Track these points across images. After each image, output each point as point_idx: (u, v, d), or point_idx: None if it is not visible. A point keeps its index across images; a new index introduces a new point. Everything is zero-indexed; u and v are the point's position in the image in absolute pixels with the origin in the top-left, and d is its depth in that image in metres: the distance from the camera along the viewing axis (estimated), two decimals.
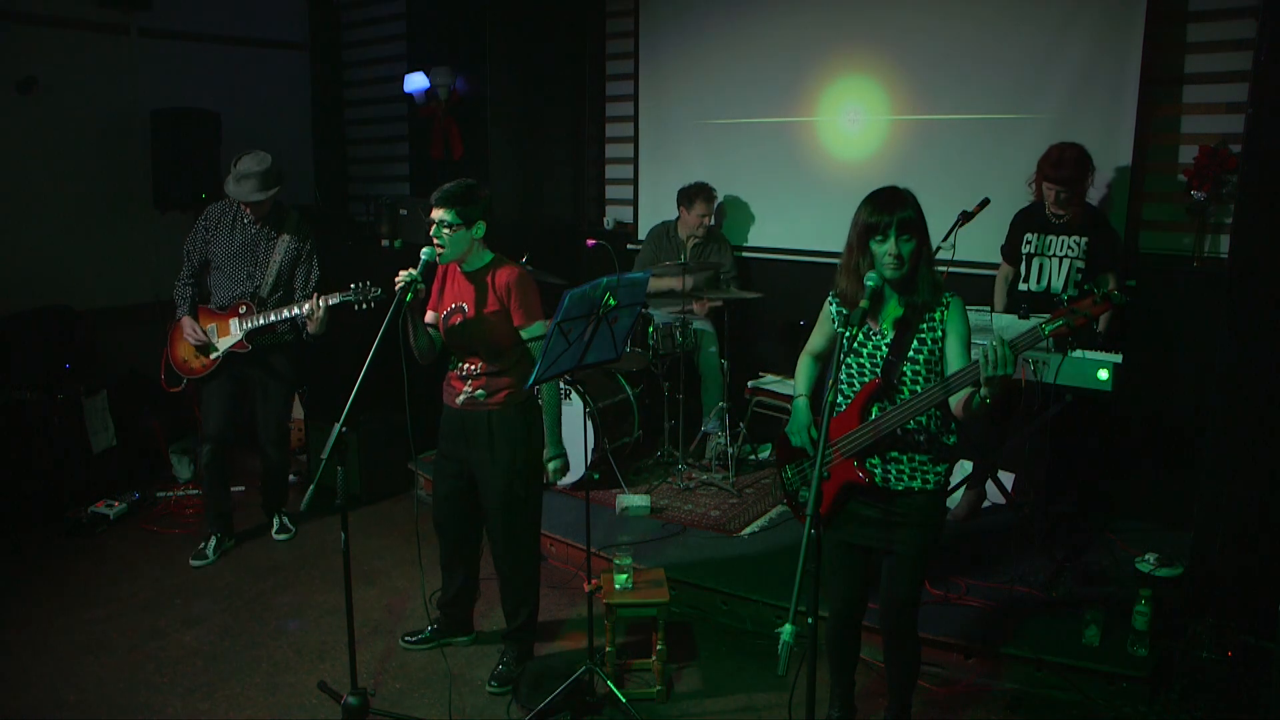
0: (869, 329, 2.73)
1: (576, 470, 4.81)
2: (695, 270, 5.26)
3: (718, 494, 4.97)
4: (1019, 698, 3.39)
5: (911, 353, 2.67)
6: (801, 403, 2.90)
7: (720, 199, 5.66)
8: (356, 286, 4.07)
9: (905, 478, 2.72)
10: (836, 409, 2.75)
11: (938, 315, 2.68)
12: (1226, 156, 4.15)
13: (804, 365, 2.98)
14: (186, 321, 4.43)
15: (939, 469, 2.74)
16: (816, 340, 2.96)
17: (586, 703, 3.32)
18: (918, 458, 2.72)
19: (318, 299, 4.21)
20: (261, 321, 4.36)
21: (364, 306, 4.07)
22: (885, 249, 2.59)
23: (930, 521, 2.76)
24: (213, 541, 4.60)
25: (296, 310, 4.29)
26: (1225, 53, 4.27)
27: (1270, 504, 3.45)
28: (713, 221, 5.59)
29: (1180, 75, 4.42)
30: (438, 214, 3.21)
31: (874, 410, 2.70)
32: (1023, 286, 4.31)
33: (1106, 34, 4.50)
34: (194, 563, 4.51)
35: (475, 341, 3.33)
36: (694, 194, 5.47)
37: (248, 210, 4.36)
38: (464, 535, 3.65)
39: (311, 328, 4.27)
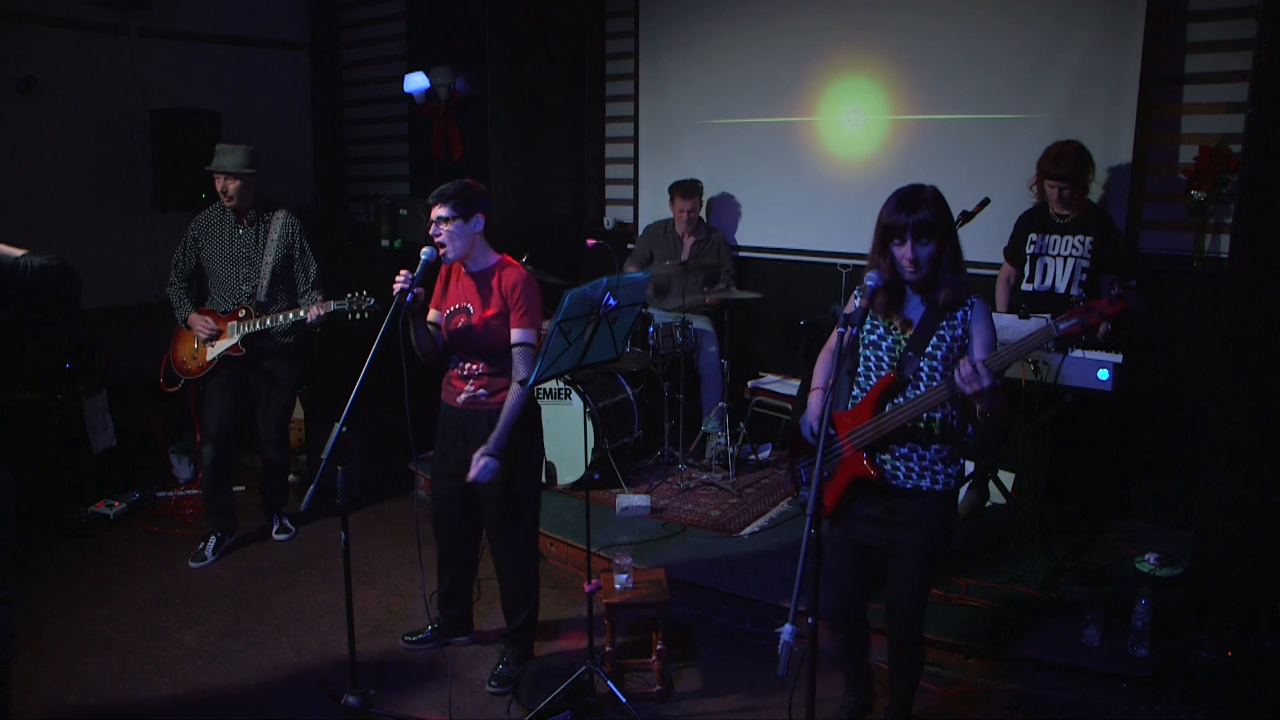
0: (889, 324, 2.72)
1: (576, 470, 4.83)
2: (693, 271, 5.26)
3: (718, 494, 4.97)
4: (1019, 698, 3.39)
5: (929, 349, 2.65)
6: (818, 396, 2.90)
7: (705, 192, 5.66)
8: (351, 296, 4.11)
9: (914, 475, 2.71)
10: (852, 400, 2.77)
11: (960, 314, 2.65)
12: (1226, 156, 4.16)
13: (823, 360, 2.98)
14: (195, 318, 4.45)
15: (951, 469, 2.73)
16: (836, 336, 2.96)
17: (587, 702, 3.31)
18: (929, 455, 2.71)
19: (321, 305, 4.25)
20: (258, 326, 4.37)
21: (357, 317, 4.11)
22: (902, 253, 2.58)
23: (938, 526, 2.74)
24: (212, 542, 4.60)
25: (299, 315, 4.31)
26: (1225, 53, 4.28)
27: (1270, 504, 3.45)
28: (703, 216, 5.60)
29: (1180, 75, 4.42)
30: (436, 212, 3.23)
31: (888, 405, 2.69)
32: (1026, 286, 4.32)
33: (1106, 34, 4.50)
34: (192, 564, 4.51)
35: (478, 342, 3.33)
36: (671, 190, 5.56)
37: (230, 197, 4.34)
38: (461, 535, 3.65)
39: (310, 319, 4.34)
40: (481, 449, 3.27)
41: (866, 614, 3.00)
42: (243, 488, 5.31)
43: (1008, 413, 2.54)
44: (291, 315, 4.34)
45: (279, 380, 4.61)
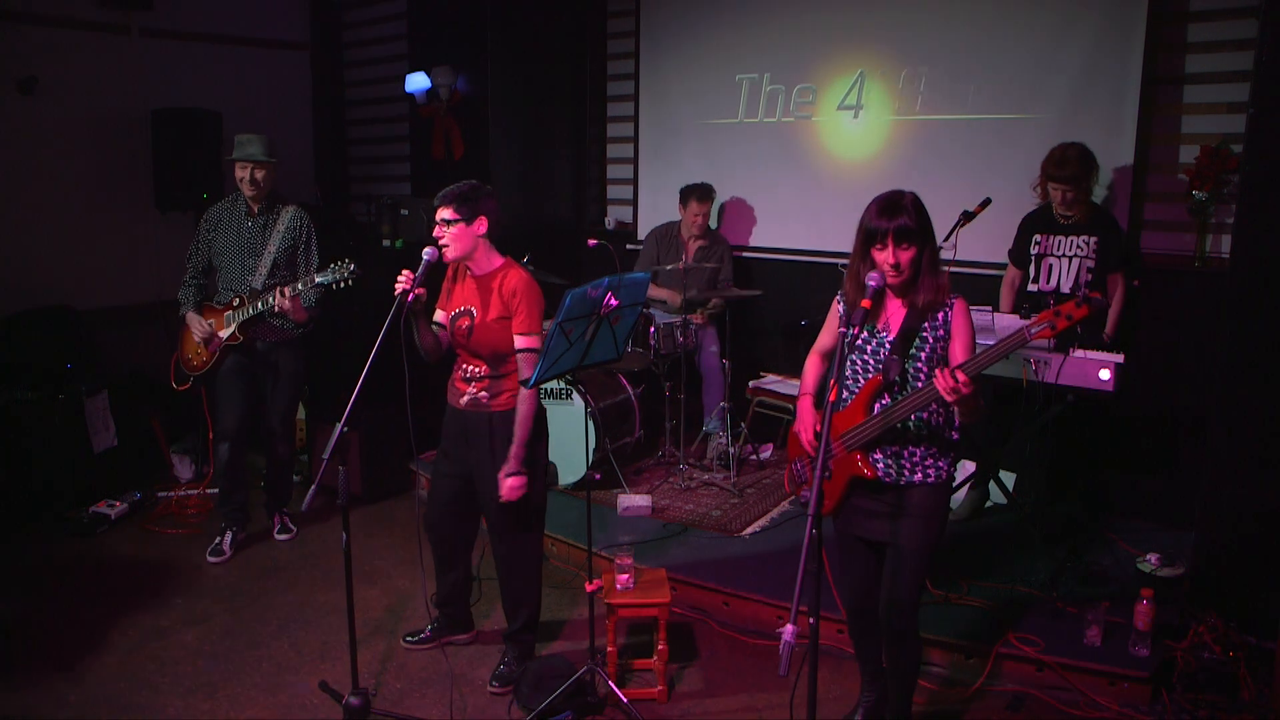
0: (873, 328, 2.77)
1: (578, 470, 4.83)
2: (693, 271, 5.26)
3: (719, 494, 4.97)
4: (1019, 698, 3.39)
5: (913, 350, 2.72)
6: (807, 402, 2.95)
7: (717, 198, 5.66)
8: (334, 265, 4.10)
9: (906, 473, 2.76)
10: (842, 403, 2.81)
11: (941, 315, 2.72)
12: (1228, 156, 4.16)
13: (811, 364, 3.03)
14: (191, 317, 4.47)
15: (941, 464, 2.78)
16: (824, 339, 3.02)
17: (588, 703, 3.31)
18: (918, 453, 2.76)
19: (280, 290, 4.23)
20: (251, 312, 4.36)
21: (343, 285, 4.10)
22: (884, 257, 2.65)
23: (933, 514, 2.79)
24: (229, 536, 4.60)
25: (272, 301, 4.28)
26: (1226, 53, 4.28)
27: (1271, 504, 3.45)
28: (713, 224, 5.60)
29: (1181, 75, 4.42)
30: (440, 213, 3.24)
31: (876, 406, 2.74)
32: (1032, 287, 4.32)
33: (1108, 34, 4.50)
34: (210, 559, 4.51)
35: (480, 345, 3.33)
36: (687, 193, 5.52)
37: (255, 184, 4.35)
38: (457, 534, 3.65)
39: (292, 314, 4.31)
40: (504, 469, 3.29)
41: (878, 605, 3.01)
42: None
43: (985, 412, 2.60)
44: (276, 295, 4.29)
45: (284, 374, 4.60)
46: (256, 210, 4.43)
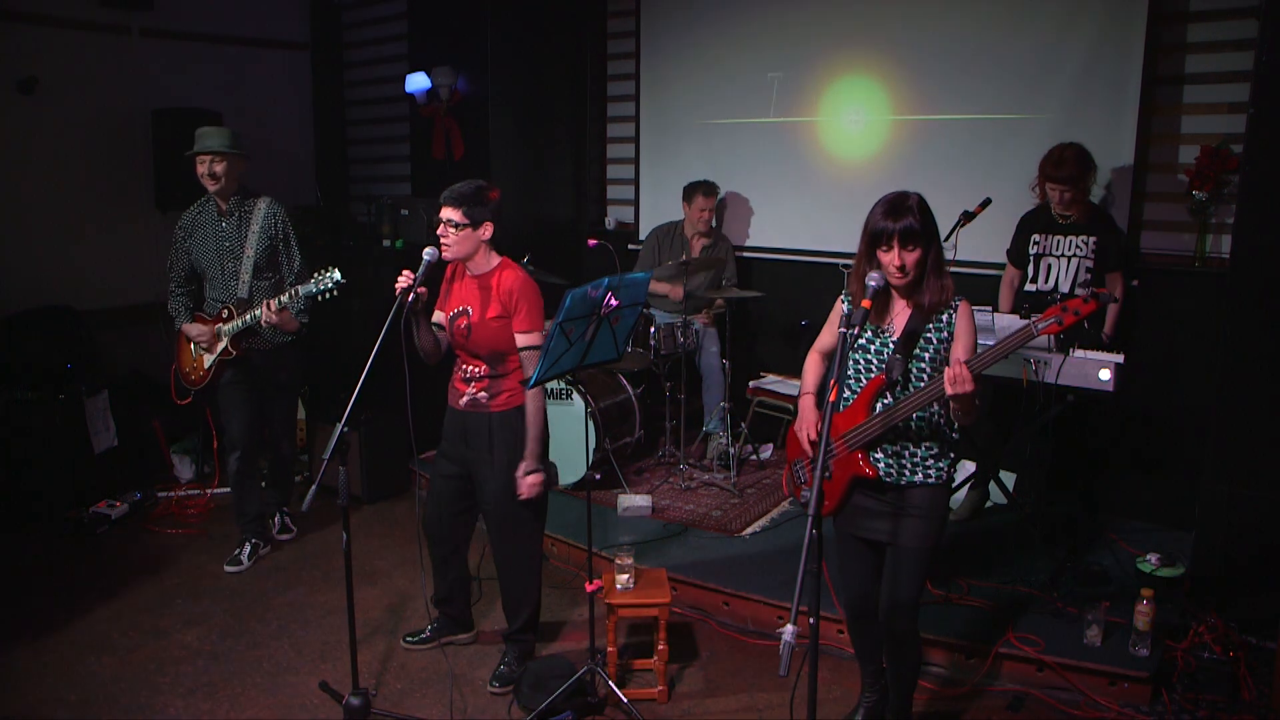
0: (877, 328, 2.78)
1: (578, 470, 4.82)
2: (696, 270, 5.26)
3: (719, 494, 4.97)
4: (1019, 698, 3.39)
5: (917, 350, 2.72)
6: (809, 400, 2.95)
7: (721, 195, 5.66)
8: (318, 276, 3.94)
9: (906, 472, 2.77)
10: (844, 403, 2.81)
11: (945, 316, 2.72)
12: (1228, 156, 4.16)
13: (812, 363, 3.03)
14: (190, 327, 4.37)
15: (941, 464, 2.79)
16: (825, 338, 3.02)
17: (588, 703, 3.32)
18: (919, 453, 2.77)
19: (266, 304, 4.11)
20: (240, 325, 4.25)
21: (328, 296, 3.94)
22: (889, 259, 2.65)
23: (934, 514, 2.79)
24: (247, 549, 4.54)
25: (259, 314, 4.15)
26: (1226, 53, 4.27)
27: (1271, 504, 3.46)
28: (714, 221, 5.60)
29: (1181, 75, 4.42)
30: (446, 213, 3.22)
31: (878, 405, 2.75)
32: (1030, 287, 4.32)
33: (1108, 34, 4.50)
34: (228, 568, 4.46)
35: (479, 345, 3.33)
36: (691, 190, 5.51)
37: (216, 178, 4.18)
38: (452, 533, 3.64)
39: (282, 325, 4.20)
40: (522, 466, 3.33)
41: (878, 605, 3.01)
42: None
43: (979, 411, 2.60)
44: (264, 310, 4.16)
45: (283, 379, 4.55)
46: (226, 208, 4.27)
